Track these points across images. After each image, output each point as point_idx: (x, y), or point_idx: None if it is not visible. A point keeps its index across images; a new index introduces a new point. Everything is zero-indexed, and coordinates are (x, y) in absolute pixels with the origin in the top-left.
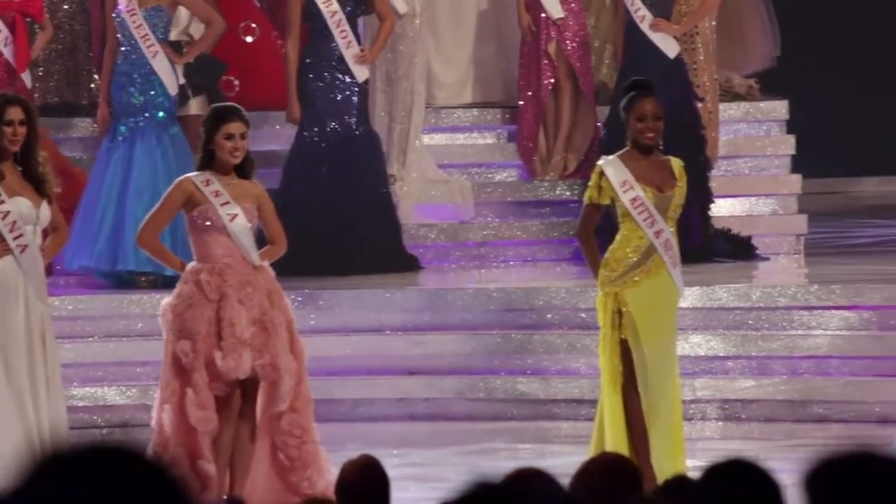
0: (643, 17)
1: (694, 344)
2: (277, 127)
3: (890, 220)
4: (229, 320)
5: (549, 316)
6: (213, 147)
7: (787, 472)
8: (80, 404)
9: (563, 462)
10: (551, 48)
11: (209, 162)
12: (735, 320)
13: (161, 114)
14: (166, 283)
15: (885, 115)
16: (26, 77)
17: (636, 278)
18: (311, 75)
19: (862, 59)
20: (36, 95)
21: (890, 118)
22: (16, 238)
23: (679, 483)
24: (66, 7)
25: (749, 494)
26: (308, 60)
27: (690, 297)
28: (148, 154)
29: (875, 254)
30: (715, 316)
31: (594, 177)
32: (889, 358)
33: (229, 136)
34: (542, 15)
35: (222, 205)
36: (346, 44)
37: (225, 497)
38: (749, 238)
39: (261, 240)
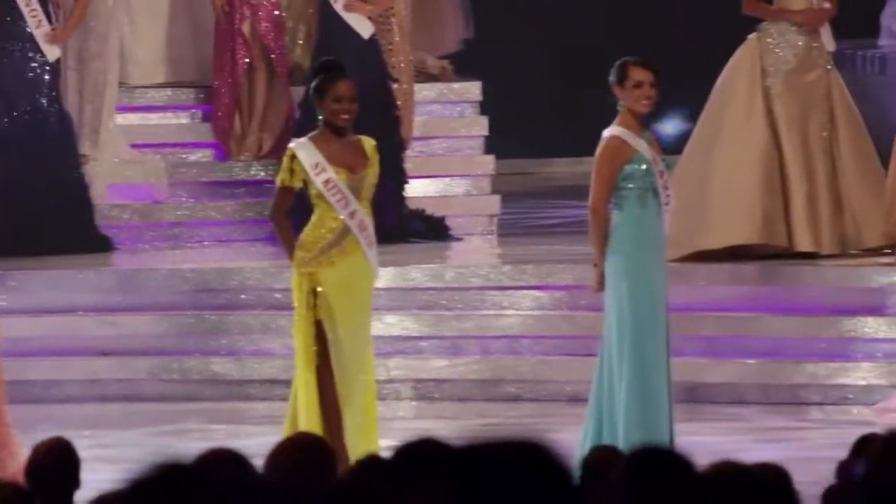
0: None
1: (388, 324)
2: None
3: (581, 201)
4: None
5: (243, 296)
6: None
7: None
8: None
9: (258, 442)
10: (245, 28)
11: None
12: (428, 300)
13: None
14: None
15: (576, 97)
16: None
17: (332, 259)
18: None
19: (553, 40)
20: None
21: (580, 99)
22: None
23: (371, 462)
24: None
25: (439, 473)
26: None
27: (385, 277)
28: None
29: (566, 234)
30: (409, 296)
31: (286, 160)
32: (579, 337)
33: None
34: None
35: None
36: (37, 23)
37: None
38: (443, 219)
39: None
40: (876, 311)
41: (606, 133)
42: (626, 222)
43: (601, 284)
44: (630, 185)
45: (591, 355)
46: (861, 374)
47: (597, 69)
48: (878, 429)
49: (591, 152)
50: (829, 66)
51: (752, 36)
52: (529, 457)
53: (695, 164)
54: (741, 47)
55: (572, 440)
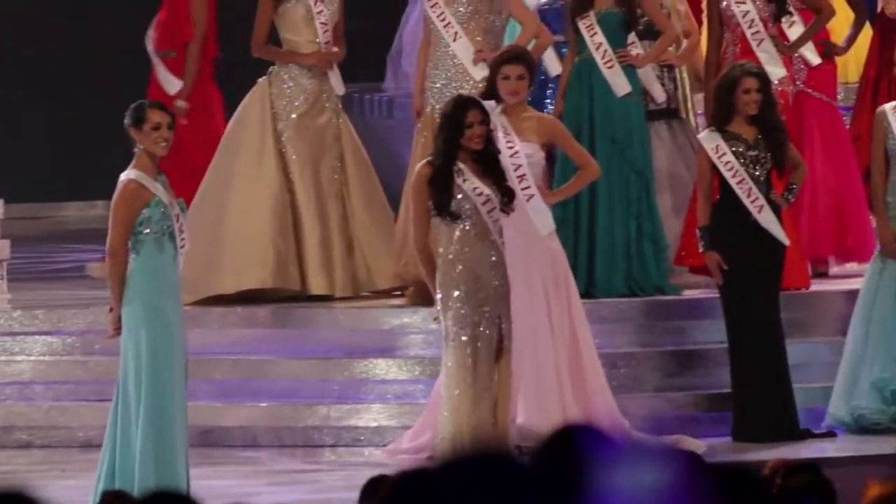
0: None
1: None
2: None
3: (91, 245)
4: None
5: None
6: None
7: None
8: None
9: None
10: None
11: None
12: None
13: None
14: None
15: (87, 140)
16: None
17: None
18: None
19: (60, 83)
20: None
21: (91, 142)
22: None
23: None
24: None
25: None
26: None
27: None
28: None
29: (77, 279)
30: None
31: None
32: (91, 382)
33: None
34: None
35: None
36: None
37: None
38: None
39: None
40: (387, 352)
41: (123, 177)
42: (143, 267)
43: (118, 329)
44: (147, 230)
45: (105, 400)
46: (372, 416)
47: (108, 112)
48: (389, 470)
49: (102, 196)
50: (338, 110)
51: (262, 80)
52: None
53: (207, 207)
54: (251, 91)
55: (86, 486)
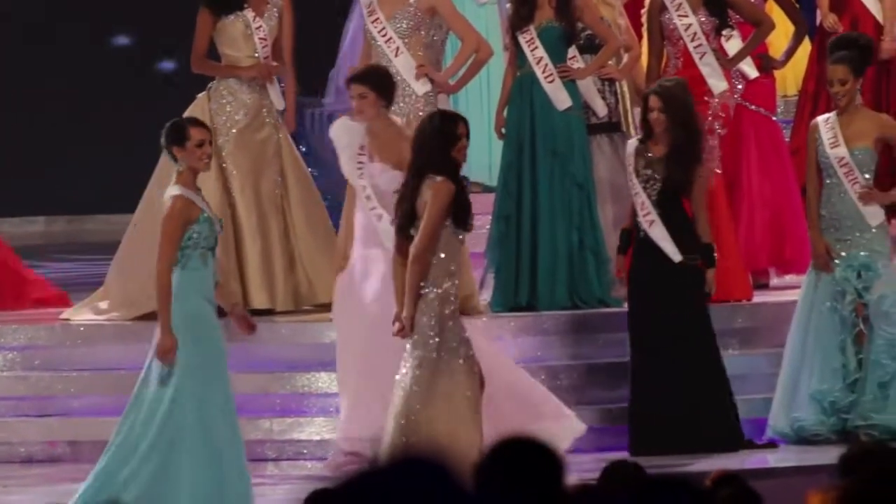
0: None
1: None
2: None
3: (29, 261)
4: None
5: None
6: None
7: None
8: None
9: None
10: None
11: None
12: None
13: None
14: None
15: (20, 156)
16: None
17: None
18: None
19: None
20: None
21: (26, 159)
22: None
23: None
24: None
25: None
26: None
27: None
28: None
29: None
30: None
31: None
32: (32, 398)
33: None
34: None
35: None
36: None
37: None
38: None
39: None
40: (329, 365)
41: (169, 193)
42: (189, 280)
43: (174, 347)
44: (196, 245)
45: (46, 415)
46: (315, 430)
47: (45, 128)
48: (331, 483)
49: (41, 212)
50: (278, 124)
51: (201, 95)
52: None
53: (149, 222)
54: (190, 106)
55: (27, 500)
